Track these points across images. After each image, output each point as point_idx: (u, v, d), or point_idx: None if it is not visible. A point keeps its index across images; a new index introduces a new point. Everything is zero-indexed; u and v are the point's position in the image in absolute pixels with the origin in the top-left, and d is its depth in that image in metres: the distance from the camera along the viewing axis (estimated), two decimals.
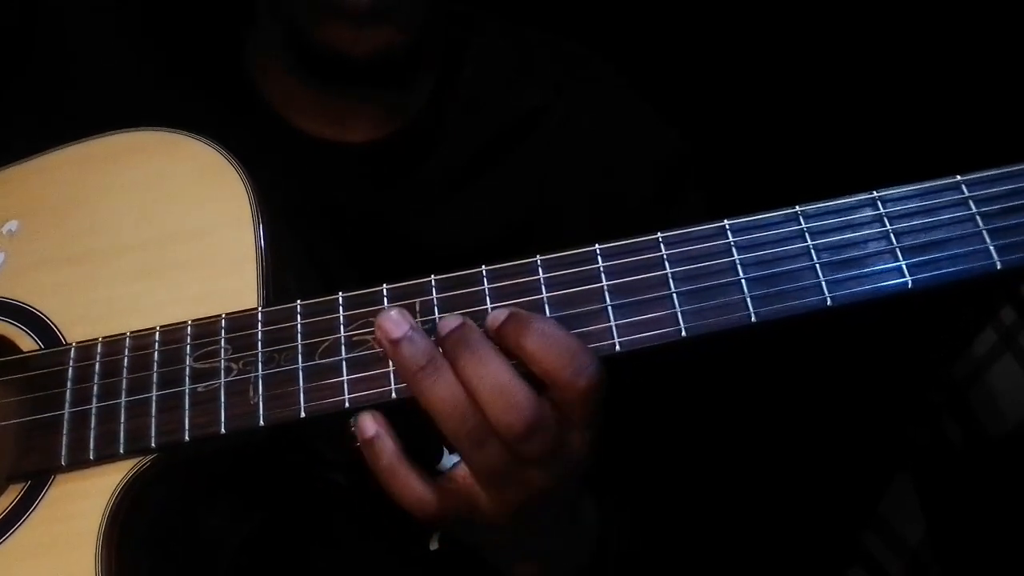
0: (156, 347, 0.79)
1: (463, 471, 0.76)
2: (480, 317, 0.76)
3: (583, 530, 0.88)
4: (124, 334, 0.80)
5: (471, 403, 0.73)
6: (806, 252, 0.74)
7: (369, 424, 0.75)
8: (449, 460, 1.00)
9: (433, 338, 0.74)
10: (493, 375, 0.72)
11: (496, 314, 0.75)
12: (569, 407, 0.74)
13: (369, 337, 0.77)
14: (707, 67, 1.55)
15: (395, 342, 0.74)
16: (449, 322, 0.74)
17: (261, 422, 0.76)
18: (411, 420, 0.97)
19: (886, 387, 1.50)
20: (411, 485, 0.76)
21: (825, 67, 1.54)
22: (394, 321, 0.74)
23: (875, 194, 0.75)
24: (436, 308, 0.77)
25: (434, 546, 0.89)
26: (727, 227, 0.76)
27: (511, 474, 0.75)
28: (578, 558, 0.88)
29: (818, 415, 1.54)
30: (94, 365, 0.80)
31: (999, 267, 0.73)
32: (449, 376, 0.73)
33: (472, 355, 0.73)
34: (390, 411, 0.79)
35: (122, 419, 0.78)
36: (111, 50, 1.03)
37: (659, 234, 0.76)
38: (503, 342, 0.74)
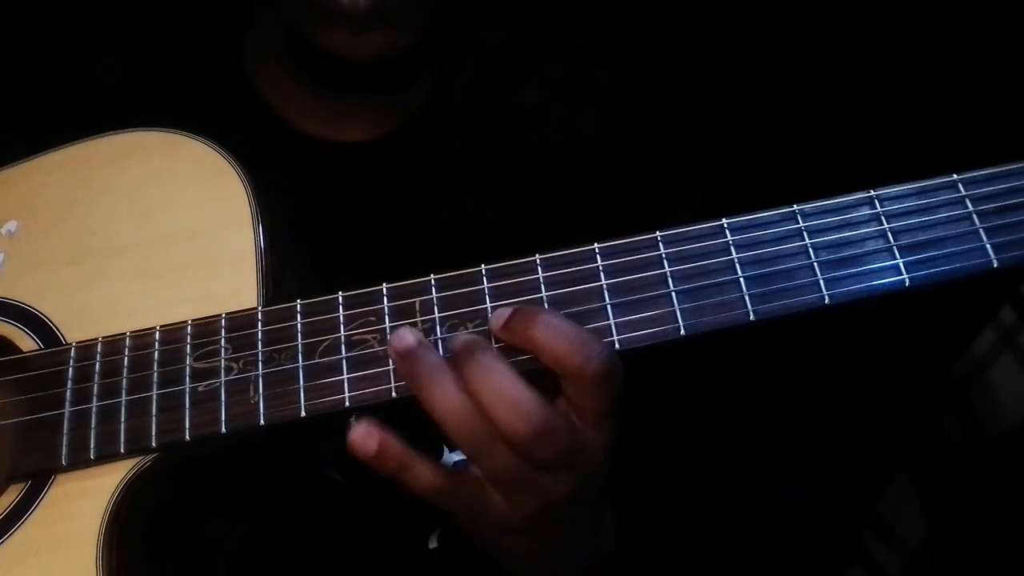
0: (156, 347, 0.79)
1: (477, 471, 0.76)
2: (480, 316, 0.76)
3: (601, 544, 0.87)
4: (124, 334, 0.80)
5: (476, 410, 0.72)
6: (804, 251, 0.74)
7: (368, 442, 0.74)
8: (450, 458, 1.00)
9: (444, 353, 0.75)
10: (497, 381, 0.72)
11: (501, 311, 0.75)
12: (582, 398, 0.73)
13: (369, 336, 0.77)
14: (705, 67, 1.55)
15: (403, 353, 0.74)
16: (459, 337, 0.74)
17: (262, 421, 0.76)
18: (411, 418, 0.98)
19: (886, 387, 1.50)
20: (424, 476, 0.75)
21: (824, 67, 1.54)
22: (401, 336, 0.74)
23: (872, 193, 0.75)
24: (436, 307, 0.77)
25: (433, 544, 0.89)
26: (725, 226, 0.76)
27: (524, 480, 0.74)
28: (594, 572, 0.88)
29: (818, 415, 1.54)
30: (94, 365, 0.80)
31: (995, 265, 0.73)
32: (453, 384, 0.73)
33: (476, 363, 0.73)
34: (390, 410, 0.80)
35: (122, 419, 0.78)
36: (109, 50, 1.03)
37: (657, 233, 0.76)
38: (512, 337, 0.74)
